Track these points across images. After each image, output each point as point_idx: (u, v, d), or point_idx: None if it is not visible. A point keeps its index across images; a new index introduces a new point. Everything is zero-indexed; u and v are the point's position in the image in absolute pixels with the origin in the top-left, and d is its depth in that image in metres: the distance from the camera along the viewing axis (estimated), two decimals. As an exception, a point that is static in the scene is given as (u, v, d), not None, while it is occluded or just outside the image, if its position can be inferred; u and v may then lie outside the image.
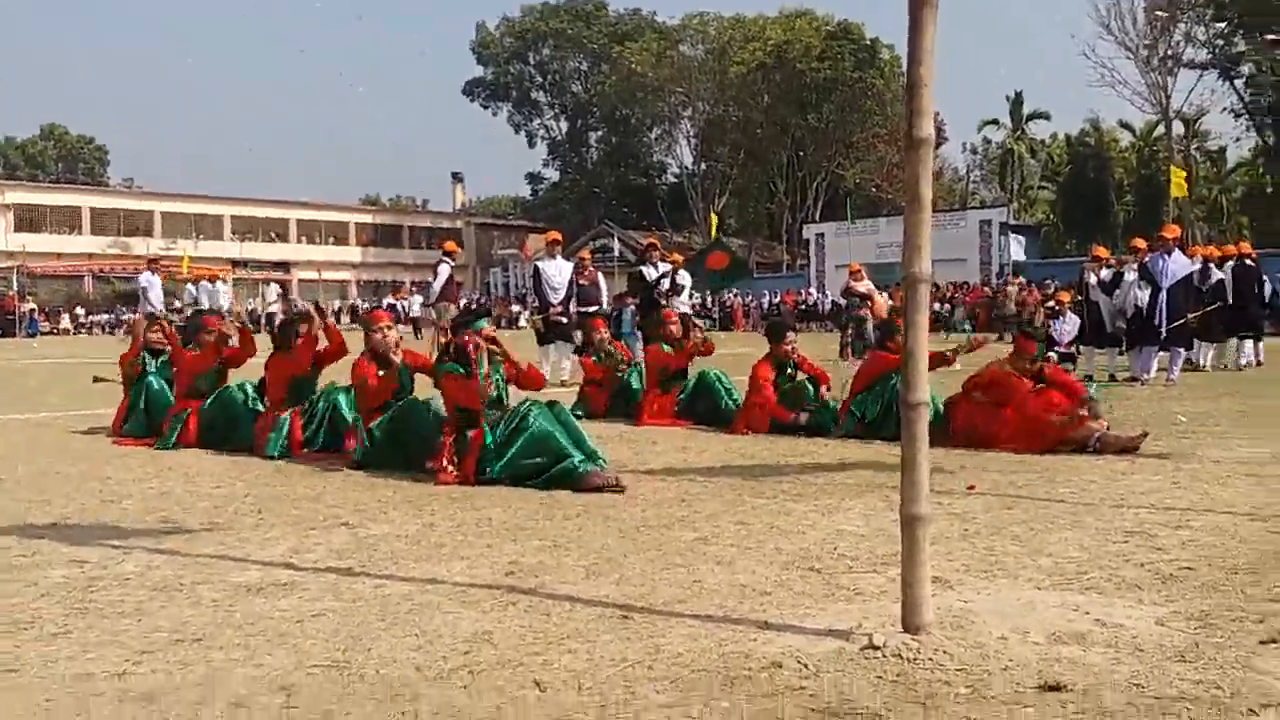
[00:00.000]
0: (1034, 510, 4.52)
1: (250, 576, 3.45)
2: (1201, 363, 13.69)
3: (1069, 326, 13.72)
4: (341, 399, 6.48)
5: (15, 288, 43.96)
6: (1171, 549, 3.75)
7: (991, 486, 5.13)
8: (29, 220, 58.36)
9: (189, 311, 22.17)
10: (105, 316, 45.25)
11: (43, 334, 42.47)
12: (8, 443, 7.11)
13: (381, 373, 6.09)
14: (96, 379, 8.05)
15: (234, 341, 7.21)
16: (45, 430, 7.87)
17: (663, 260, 13.81)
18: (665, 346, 8.55)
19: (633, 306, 13.23)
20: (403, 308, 35.73)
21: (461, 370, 5.47)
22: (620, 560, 3.65)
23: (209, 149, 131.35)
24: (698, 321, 9.26)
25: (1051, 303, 16.36)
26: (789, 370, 7.64)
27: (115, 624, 2.95)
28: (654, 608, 3.07)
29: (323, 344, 6.75)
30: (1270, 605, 3.04)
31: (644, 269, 13.43)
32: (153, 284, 18.38)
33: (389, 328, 6.40)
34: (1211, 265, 13.96)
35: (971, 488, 5.09)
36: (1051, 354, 13.91)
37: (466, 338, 5.50)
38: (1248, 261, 14.09)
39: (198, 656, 2.66)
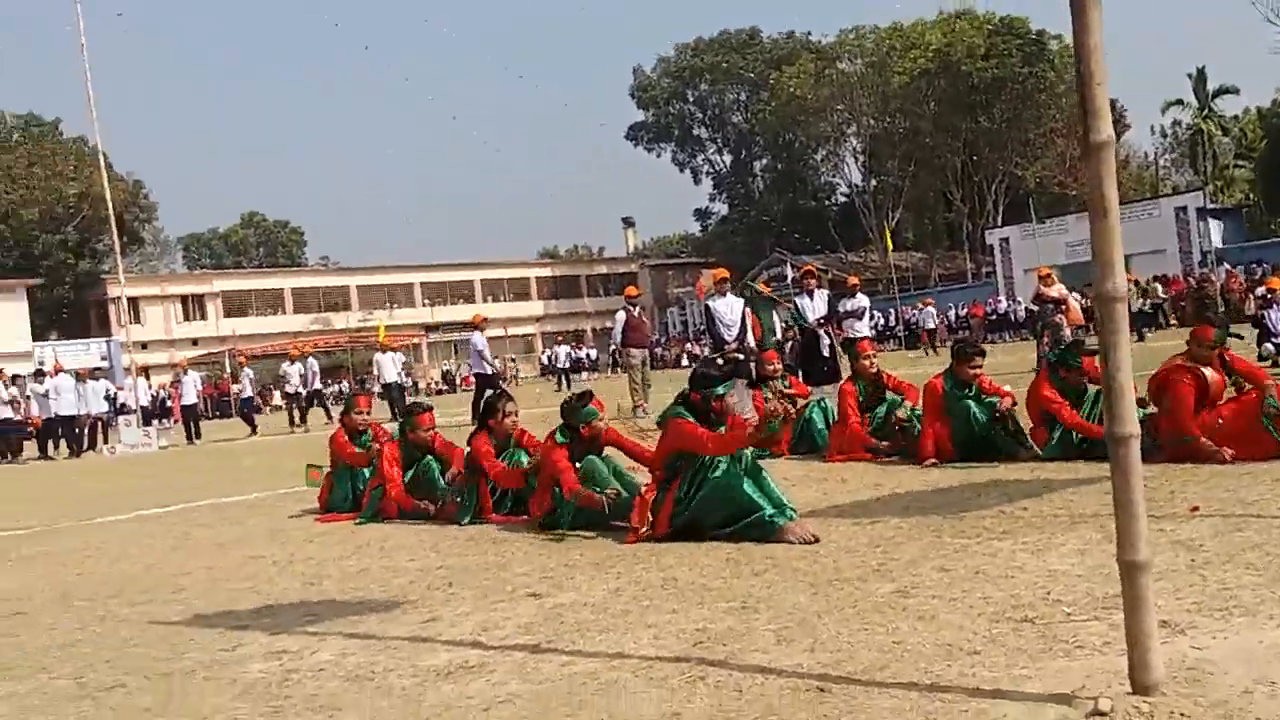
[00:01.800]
0: (1269, 531, 4.08)
1: (440, 659, 3.43)
2: None
3: None
4: (524, 460, 6.50)
5: (229, 371, 46.92)
6: None
7: (1218, 506, 4.68)
8: (237, 305, 62.56)
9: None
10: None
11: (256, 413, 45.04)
12: (221, 529, 7.45)
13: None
14: (311, 472, 8.37)
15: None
16: (256, 512, 8.23)
17: (820, 286, 13.48)
18: (860, 383, 8.26)
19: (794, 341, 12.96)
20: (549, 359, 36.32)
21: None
22: (813, 621, 3.46)
23: (395, 222, 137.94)
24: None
25: (1262, 289, 15.18)
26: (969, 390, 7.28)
27: (309, 721, 2.96)
28: (852, 676, 2.87)
29: None
30: None
31: (798, 300, 13.13)
32: (485, 345, 18.54)
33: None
34: None
35: (1195, 509, 4.66)
36: (1269, 345, 12.88)
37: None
38: None
39: (387, 755, 2.62)
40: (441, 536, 6.07)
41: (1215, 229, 39.35)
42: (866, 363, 8.35)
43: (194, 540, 6.97)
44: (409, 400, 18.03)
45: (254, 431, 22.39)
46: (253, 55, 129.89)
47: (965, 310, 41.70)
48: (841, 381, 8.93)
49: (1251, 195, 54.11)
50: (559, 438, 5.92)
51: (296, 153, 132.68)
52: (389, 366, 22.71)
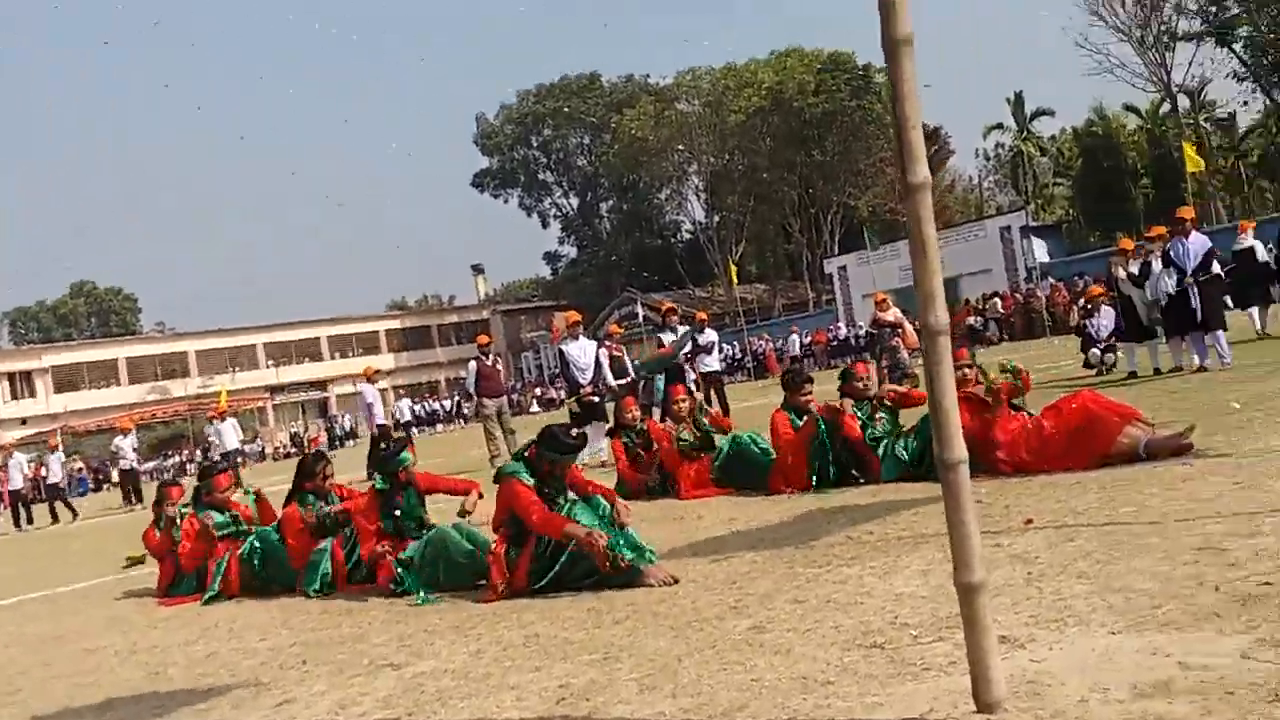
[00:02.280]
0: (1097, 539, 4.31)
1: (295, 744, 3.32)
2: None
3: (1105, 320, 13.44)
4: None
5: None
6: (1246, 563, 3.54)
7: (1050, 517, 4.92)
8: (68, 379, 59.55)
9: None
10: (151, 464, 45.49)
11: (92, 491, 42.87)
12: (58, 621, 7.06)
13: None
14: (129, 562, 8.02)
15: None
16: (91, 600, 7.81)
17: (682, 323, 13.71)
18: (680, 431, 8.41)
19: (661, 379, 13.08)
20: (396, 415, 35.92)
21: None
22: (674, 666, 3.49)
23: (234, 281, 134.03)
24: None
25: (1083, 300, 16.12)
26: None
27: (157, 824, 2.82)
28: None
29: None
30: (1364, 618, 2.83)
31: (661, 336, 13.33)
32: (377, 398, 17.57)
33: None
34: None
35: (1029, 521, 4.89)
36: (1095, 350, 13.64)
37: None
38: None
39: None
40: (293, 611, 5.88)
41: (1039, 246, 41.38)
42: (677, 408, 8.48)
43: (29, 635, 6.58)
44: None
45: (74, 516, 21.08)
46: (68, 109, 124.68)
47: (809, 338, 42.82)
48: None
49: (1071, 211, 57.32)
50: (378, 484, 6.11)
51: (128, 216, 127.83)
52: (229, 434, 21.92)
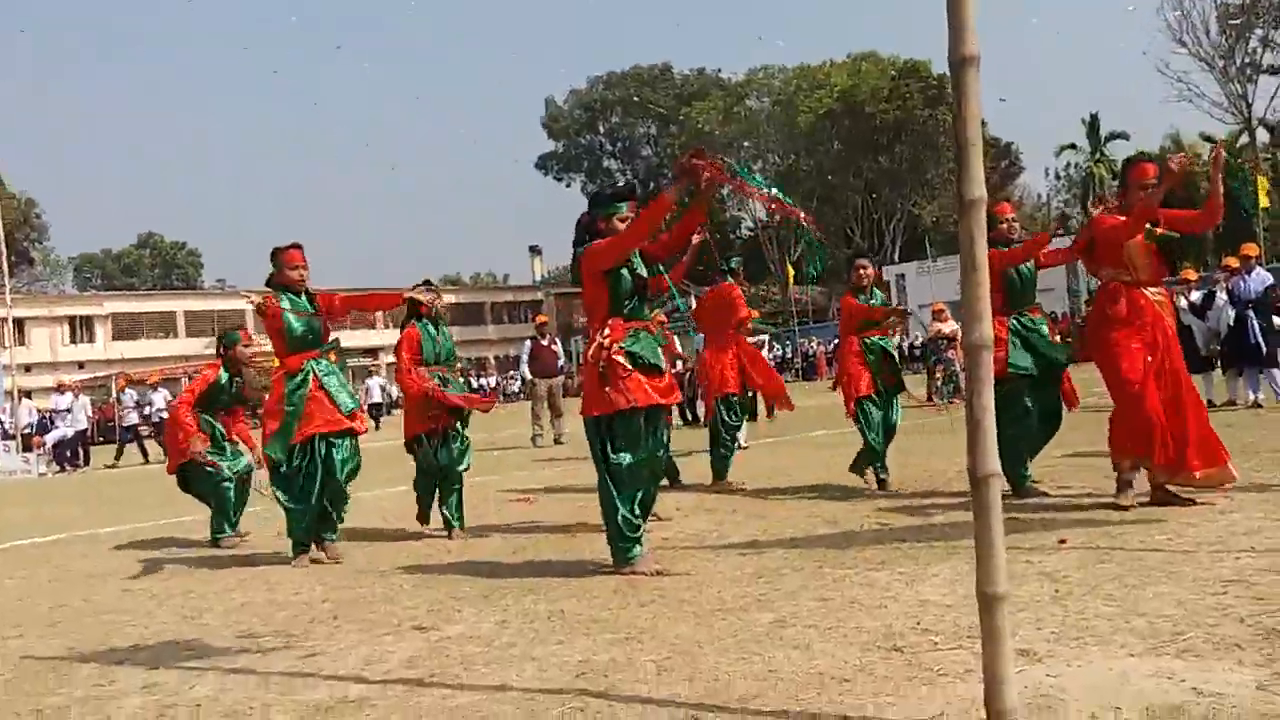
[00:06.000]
0: (1129, 563, 4.30)
1: (321, 695, 3.42)
2: None
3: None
4: None
5: (115, 396, 45.26)
6: (1274, 598, 3.53)
7: (1084, 539, 4.91)
8: (127, 328, 60.67)
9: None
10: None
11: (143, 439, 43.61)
12: (99, 560, 7.25)
13: None
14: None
15: None
16: (134, 543, 7.99)
17: None
18: None
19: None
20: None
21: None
22: (694, 652, 3.54)
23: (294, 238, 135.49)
24: None
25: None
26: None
27: (184, 757, 2.93)
28: (728, 706, 2.95)
29: None
30: (1389, 663, 2.81)
31: None
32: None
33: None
34: None
35: (1063, 541, 4.88)
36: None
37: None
38: None
39: (260, 790, 2.62)
40: (327, 570, 6.00)
41: (1102, 270, 40.73)
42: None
43: (71, 572, 6.76)
44: None
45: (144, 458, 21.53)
46: (150, 69, 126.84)
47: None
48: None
49: (1137, 238, 56.31)
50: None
51: (200, 172, 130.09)
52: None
